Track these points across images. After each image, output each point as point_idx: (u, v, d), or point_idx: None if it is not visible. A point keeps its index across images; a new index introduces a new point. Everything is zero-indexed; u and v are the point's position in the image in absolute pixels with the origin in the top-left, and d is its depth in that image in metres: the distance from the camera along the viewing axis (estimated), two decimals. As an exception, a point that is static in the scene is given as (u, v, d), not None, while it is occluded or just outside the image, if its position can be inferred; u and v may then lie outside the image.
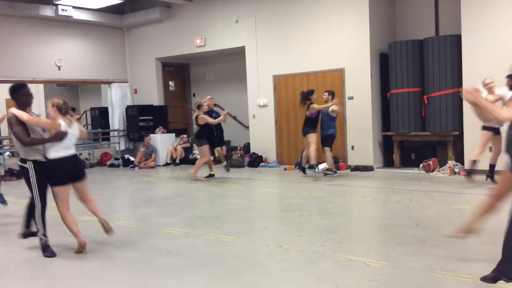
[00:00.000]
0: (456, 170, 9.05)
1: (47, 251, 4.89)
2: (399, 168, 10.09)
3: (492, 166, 7.90)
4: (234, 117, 13.74)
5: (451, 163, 9.23)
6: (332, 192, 7.96)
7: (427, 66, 9.70)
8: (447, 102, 9.47)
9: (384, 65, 10.31)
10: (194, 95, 14.91)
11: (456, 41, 9.31)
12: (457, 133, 9.40)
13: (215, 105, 13.11)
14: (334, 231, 5.46)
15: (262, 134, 11.84)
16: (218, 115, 10.11)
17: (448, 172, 9.08)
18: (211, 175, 9.92)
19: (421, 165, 9.53)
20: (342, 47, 10.32)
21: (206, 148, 9.59)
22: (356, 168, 10.16)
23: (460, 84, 9.09)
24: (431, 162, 9.43)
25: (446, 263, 4.20)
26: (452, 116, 9.45)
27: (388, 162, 10.46)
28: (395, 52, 9.96)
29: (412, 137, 10.04)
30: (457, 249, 4.57)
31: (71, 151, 4.93)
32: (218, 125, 12.58)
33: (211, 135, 9.84)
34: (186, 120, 14.73)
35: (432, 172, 9.32)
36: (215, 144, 10.06)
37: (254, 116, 11.97)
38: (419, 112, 9.87)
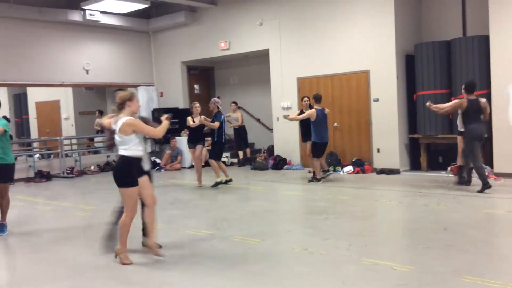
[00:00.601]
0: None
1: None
2: (426, 171, 9.94)
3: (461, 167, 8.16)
4: (258, 120, 13.77)
5: (479, 166, 9.03)
6: (357, 195, 7.89)
7: (455, 68, 9.54)
8: (475, 104, 9.27)
9: (410, 67, 10.17)
10: (218, 98, 15.00)
11: (484, 41, 9.12)
12: (485, 135, 9.19)
13: (239, 107, 13.21)
14: (359, 234, 5.41)
15: (286, 137, 11.83)
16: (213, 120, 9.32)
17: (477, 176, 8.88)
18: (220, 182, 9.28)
19: (449, 168, 9.35)
20: (367, 49, 10.23)
21: (192, 152, 9.73)
22: (382, 171, 10.05)
23: (488, 85, 8.90)
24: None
25: (474, 268, 4.12)
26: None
27: (415, 165, 10.31)
28: (422, 54, 9.82)
29: (440, 140, 9.88)
30: (486, 254, 4.48)
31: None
32: (242, 128, 12.67)
33: (193, 138, 9.62)
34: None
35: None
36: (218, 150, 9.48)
37: (278, 119, 11.96)
38: (446, 114, 9.68)
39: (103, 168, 12.80)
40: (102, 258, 4.87)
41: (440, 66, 9.68)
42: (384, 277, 4.04)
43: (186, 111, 14.01)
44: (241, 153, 12.73)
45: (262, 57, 12.34)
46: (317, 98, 9.21)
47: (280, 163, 11.60)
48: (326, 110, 9.31)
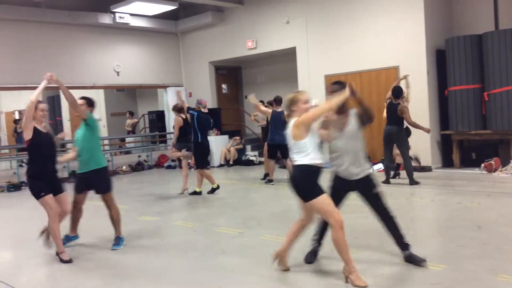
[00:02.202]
0: (521, 170, 8.61)
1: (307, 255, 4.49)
2: (459, 168, 9.73)
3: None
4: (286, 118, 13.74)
5: (515, 162, 8.81)
6: (388, 193, 7.72)
7: (487, 62, 9.30)
8: (509, 98, 9.04)
9: (441, 62, 9.98)
10: (246, 97, 15.06)
11: (518, 35, 8.88)
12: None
13: (267, 106, 13.18)
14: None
15: (315, 135, 11.75)
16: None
17: (512, 172, 8.66)
18: (196, 192, 8.59)
19: (482, 165, 9.14)
20: (396, 44, 10.09)
21: (178, 154, 8.95)
22: (414, 169, 9.87)
23: (523, 79, 8.66)
24: (493, 162, 9.03)
25: (509, 266, 4.02)
26: (515, 113, 9.01)
27: (447, 162, 10.11)
28: (453, 48, 9.62)
29: (472, 136, 9.66)
30: (523, 252, 4.36)
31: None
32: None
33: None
34: (239, 122, 14.90)
35: (494, 172, 8.91)
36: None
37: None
38: (479, 109, 9.48)
39: (134, 168, 13.02)
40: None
41: (472, 60, 9.46)
42: (418, 276, 3.98)
43: (215, 111, 14.17)
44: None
45: (289, 55, 12.31)
46: (278, 101, 9.34)
47: (308, 162, 11.53)
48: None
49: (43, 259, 5.12)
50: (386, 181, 8.50)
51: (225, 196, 8.52)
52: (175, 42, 14.76)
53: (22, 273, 4.87)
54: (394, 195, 7.59)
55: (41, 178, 4.92)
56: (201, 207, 7.61)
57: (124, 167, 12.78)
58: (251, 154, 13.17)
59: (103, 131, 15.59)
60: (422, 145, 9.93)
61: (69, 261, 4.90)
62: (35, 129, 4.88)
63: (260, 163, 12.87)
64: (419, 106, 9.89)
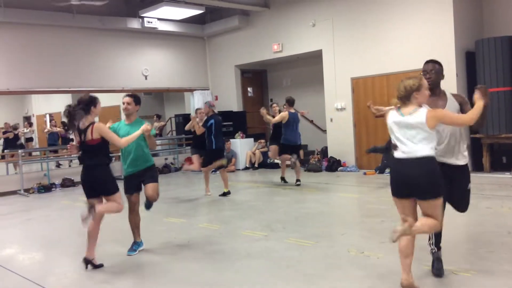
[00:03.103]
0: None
1: (433, 266, 4.10)
2: (489, 172, 9.51)
3: None
4: (311, 121, 13.70)
5: (548, 167, 8.55)
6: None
7: (519, 64, 9.08)
8: (542, 101, 8.80)
9: (471, 64, 9.78)
10: (271, 100, 15.08)
11: (552, 35, 8.64)
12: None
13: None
14: (418, 238, 5.25)
15: (340, 138, 11.69)
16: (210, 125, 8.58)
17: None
18: (225, 193, 8.77)
19: (513, 169, 8.93)
20: (424, 46, 9.92)
21: (195, 157, 9.20)
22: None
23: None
24: (524, 166, 8.80)
25: (543, 274, 3.91)
26: (548, 116, 8.76)
27: (477, 166, 9.89)
28: (483, 50, 9.42)
29: (503, 139, 9.43)
30: (556, 260, 4.23)
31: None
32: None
33: (198, 144, 8.95)
34: (264, 125, 14.90)
35: (526, 176, 8.68)
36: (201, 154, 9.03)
37: (331, 120, 11.86)
38: (510, 112, 9.25)
39: (161, 170, 13.17)
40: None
41: (503, 62, 9.25)
42: (444, 282, 3.91)
43: (241, 114, 14.25)
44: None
45: (315, 58, 12.28)
46: (291, 102, 9.52)
47: (334, 165, 11.48)
48: (303, 112, 9.96)
49: (72, 260, 5.23)
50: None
51: (250, 199, 8.54)
52: (201, 46, 14.90)
53: (52, 273, 4.98)
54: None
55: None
56: (227, 210, 7.65)
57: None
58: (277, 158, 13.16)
59: (131, 134, 15.83)
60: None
61: (100, 265, 4.86)
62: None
63: (286, 166, 12.84)
64: (448, 109, 9.71)
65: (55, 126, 15.62)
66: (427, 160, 3.48)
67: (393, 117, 3.64)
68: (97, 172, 4.72)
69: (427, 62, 4.15)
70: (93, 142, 4.63)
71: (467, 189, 4.03)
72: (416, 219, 3.64)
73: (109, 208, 4.77)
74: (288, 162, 9.61)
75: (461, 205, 4.08)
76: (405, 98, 3.56)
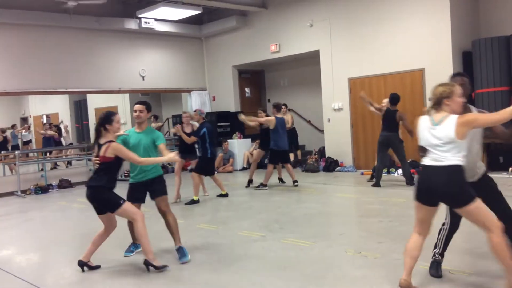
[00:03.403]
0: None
1: (432, 267, 4.09)
2: (487, 172, 9.52)
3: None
4: (309, 122, 13.72)
5: (545, 166, 8.58)
6: (410, 198, 7.67)
7: (516, 64, 9.10)
8: (539, 101, 8.82)
9: (468, 64, 9.80)
10: (269, 100, 15.10)
11: (548, 35, 8.67)
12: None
13: (289, 109, 13.21)
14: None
15: (338, 138, 11.71)
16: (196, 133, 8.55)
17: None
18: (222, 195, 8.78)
19: (510, 169, 8.94)
20: (421, 46, 9.96)
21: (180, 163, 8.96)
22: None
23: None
24: (522, 166, 8.83)
25: (540, 274, 3.91)
26: (545, 116, 8.78)
27: (473, 166, 9.91)
28: (480, 50, 9.45)
29: (500, 139, 9.44)
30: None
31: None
32: (292, 130, 12.65)
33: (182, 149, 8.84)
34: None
35: (523, 176, 8.71)
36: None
37: (329, 120, 11.87)
38: (507, 112, 9.27)
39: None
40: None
41: (500, 62, 9.27)
42: (442, 282, 3.92)
43: (238, 114, 14.20)
44: (292, 155, 12.69)
45: (313, 58, 12.29)
46: (278, 107, 9.56)
47: (331, 165, 11.49)
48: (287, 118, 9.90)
49: (69, 261, 5.21)
50: (377, 184, 8.82)
51: (248, 200, 8.54)
52: (199, 46, 14.89)
53: (49, 274, 4.98)
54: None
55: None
56: (225, 210, 7.65)
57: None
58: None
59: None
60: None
61: (164, 267, 4.64)
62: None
63: (283, 166, 12.86)
64: (445, 109, 9.74)
65: (50, 128, 15.34)
66: (454, 169, 3.43)
67: (424, 123, 3.63)
68: (99, 194, 4.64)
69: (456, 75, 4.11)
70: (105, 159, 4.58)
71: (498, 191, 4.10)
72: (429, 227, 3.71)
73: (135, 228, 4.68)
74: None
75: (501, 205, 4.02)
76: (436, 105, 3.56)
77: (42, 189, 10.91)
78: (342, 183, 9.78)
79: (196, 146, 8.78)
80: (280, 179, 9.97)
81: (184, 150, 8.79)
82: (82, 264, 4.79)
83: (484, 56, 9.38)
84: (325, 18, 11.59)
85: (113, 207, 4.61)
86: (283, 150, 9.41)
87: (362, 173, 10.64)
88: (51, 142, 14.95)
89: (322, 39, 11.73)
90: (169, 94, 16.78)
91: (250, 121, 9.61)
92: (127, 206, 4.65)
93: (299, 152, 12.82)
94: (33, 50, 11.59)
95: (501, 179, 8.74)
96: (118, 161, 4.65)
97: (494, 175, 9.39)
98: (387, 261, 4.51)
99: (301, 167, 12.11)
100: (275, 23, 12.80)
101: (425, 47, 9.91)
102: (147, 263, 4.66)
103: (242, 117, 9.69)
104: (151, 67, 13.76)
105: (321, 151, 12.30)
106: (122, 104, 15.97)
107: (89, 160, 13.13)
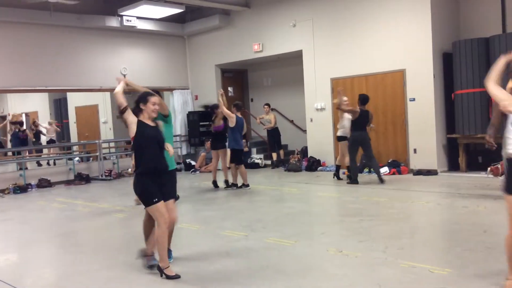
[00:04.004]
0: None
1: None
2: (465, 172, 9.68)
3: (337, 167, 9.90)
4: (291, 121, 13.75)
5: (522, 166, 8.73)
6: (393, 197, 7.77)
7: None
8: (517, 102, 8.98)
9: (448, 65, 9.95)
10: (252, 100, 15.10)
11: (526, 38, 8.83)
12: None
13: (272, 109, 13.25)
14: (396, 237, 5.33)
15: (320, 138, 11.77)
16: None
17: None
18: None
19: (488, 168, 9.08)
20: (402, 47, 10.06)
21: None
22: (419, 172, 9.85)
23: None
24: (499, 166, 8.97)
25: (516, 272, 3.98)
26: (522, 117, 8.95)
27: (453, 166, 10.07)
28: (460, 51, 9.59)
29: (479, 140, 9.60)
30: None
31: None
32: (275, 130, 12.68)
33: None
34: (247, 125, 14.91)
35: (500, 176, 8.84)
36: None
37: (311, 120, 11.92)
38: (486, 113, 9.43)
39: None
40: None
41: (479, 64, 9.42)
42: (421, 280, 3.96)
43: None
44: (274, 155, 12.75)
45: (296, 58, 12.32)
46: (238, 107, 9.54)
47: (314, 165, 11.55)
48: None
49: (48, 261, 5.14)
50: (355, 182, 9.13)
51: (230, 199, 8.53)
52: (181, 45, 14.80)
53: (28, 274, 4.89)
54: (400, 198, 7.57)
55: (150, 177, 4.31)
56: (207, 210, 7.62)
57: (129, 170, 12.81)
58: (256, 157, 13.19)
59: (109, 134, 15.66)
60: (428, 148, 9.90)
61: (177, 277, 4.33)
62: (140, 122, 4.45)
63: (266, 166, 12.90)
64: (425, 109, 9.86)
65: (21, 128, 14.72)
66: None
67: None
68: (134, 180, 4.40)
69: None
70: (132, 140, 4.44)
71: None
72: None
73: (156, 234, 4.40)
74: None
75: None
76: None
77: (21, 189, 10.73)
78: (324, 182, 9.83)
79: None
80: (226, 182, 9.63)
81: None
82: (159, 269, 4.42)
83: (464, 57, 9.53)
84: (308, 18, 11.63)
85: (144, 202, 4.40)
86: (241, 149, 9.51)
87: (344, 173, 10.70)
88: (23, 141, 14.42)
89: (305, 39, 11.77)
90: (151, 93, 16.61)
91: (222, 103, 9.29)
92: (156, 208, 4.36)
93: (281, 152, 12.85)
94: (13, 47, 11.37)
95: (479, 179, 8.90)
96: (139, 144, 4.42)
97: (473, 175, 9.58)
98: (367, 260, 4.54)
99: (284, 167, 12.14)
100: (258, 22, 12.80)
101: (406, 48, 10.02)
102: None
103: (221, 92, 9.53)
104: (133, 66, 13.62)
105: (304, 151, 12.34)
106: (103, 103, 15.79)
107: (69, 159, 12.96)
